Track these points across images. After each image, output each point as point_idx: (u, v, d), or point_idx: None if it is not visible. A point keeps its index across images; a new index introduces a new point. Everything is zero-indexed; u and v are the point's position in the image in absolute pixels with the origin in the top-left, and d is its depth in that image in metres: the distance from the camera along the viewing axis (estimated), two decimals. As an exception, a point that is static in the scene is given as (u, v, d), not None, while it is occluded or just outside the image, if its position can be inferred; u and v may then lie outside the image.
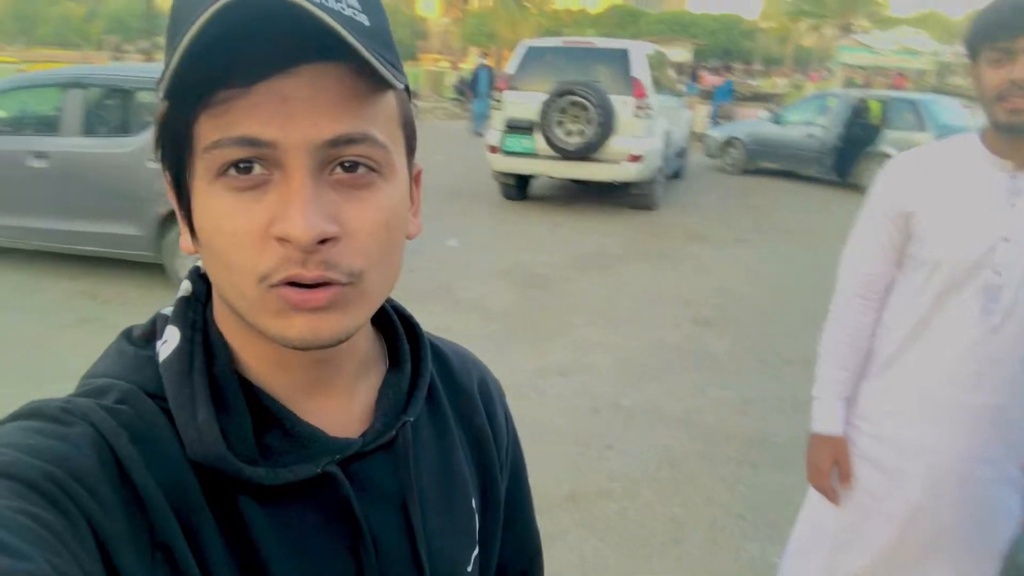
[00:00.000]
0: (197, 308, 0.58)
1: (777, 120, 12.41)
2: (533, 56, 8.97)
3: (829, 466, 1.74)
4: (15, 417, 0.50)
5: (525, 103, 8.68)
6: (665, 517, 3.09)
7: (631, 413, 4.02)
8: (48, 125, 5.76)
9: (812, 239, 7.82)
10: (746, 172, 12.38)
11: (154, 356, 0.56)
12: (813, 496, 1.84)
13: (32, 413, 0.50)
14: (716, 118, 15.79)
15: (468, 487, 0.69)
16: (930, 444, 1.62)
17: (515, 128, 8.80)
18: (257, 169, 0.48)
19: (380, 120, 0.52)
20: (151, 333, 0.58)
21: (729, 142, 12.57)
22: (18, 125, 6.11)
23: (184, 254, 5.58)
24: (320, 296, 0.50)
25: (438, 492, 0.65)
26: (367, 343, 0.64)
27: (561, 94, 8.37)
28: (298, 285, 0.49)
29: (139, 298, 5.43)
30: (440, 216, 8.25)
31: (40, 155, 5.59)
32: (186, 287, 0.59)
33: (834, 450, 1.74)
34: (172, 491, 0.50)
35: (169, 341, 0.55)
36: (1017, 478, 1.60)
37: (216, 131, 0.48)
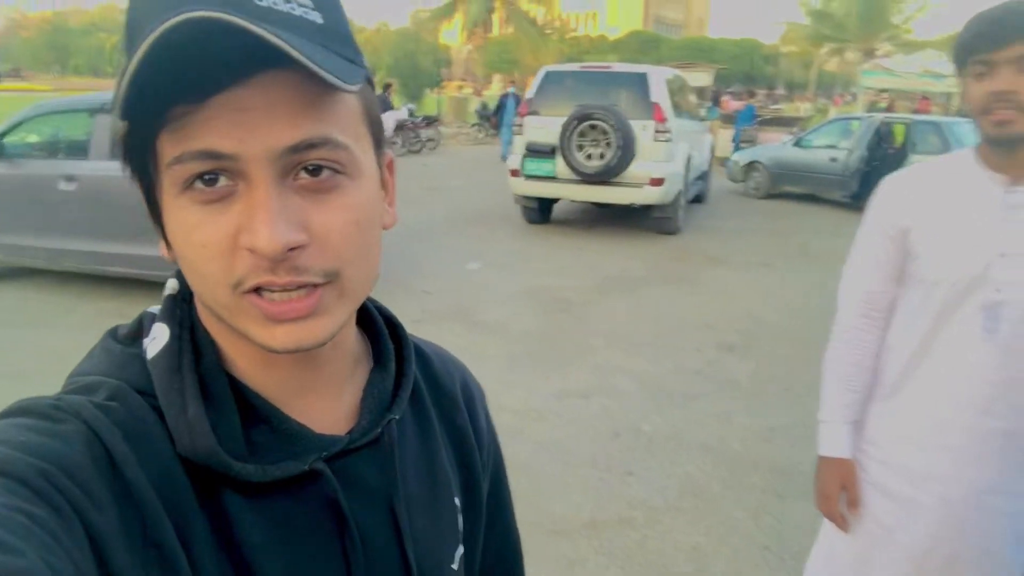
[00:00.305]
0: (184, 306, 0.58)
1: (799, 144, 12.34)
2: (552, 81, 9.04)
3: (837, 491, 1.70)
4: (6, 415, 0.50)
5: (545, 127, 8.72)
6: (687, 546, 3.02)
7: (653, 438, 3.97)
8: (78, 149, 5.88)
9: (836, 263, 7.62)
10: (769, 196, 12.29)
11: (141, 354, 0.56)
12: (826, 524, 1.80)
13: (23, 410, 0.50)
14: (738, 142, 15.76)
15: (452, 485, 0.70)
16: (940, 472, 1.58)
17: (535, 152, 8.84)
18: (222, 181, 0.49)
19: (340, 120, 0.52)
20: (137, 331, 0.58)
21: (752, 166, 12.52)
22: (50, 149, 6.26)
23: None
24: (302, 305, 0.50)
25: (423, 490, 0.65)
26: (353, 343, 0.64)
27: (581, 118, 8.41)
28: (272, 291, 0.50)
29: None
30: (461, 240, 8.29)
31: (70, 178, 5.71)
32: (172, 285, 0.59)
33: (841, 474, 1.70)
34: (163, 487, 0.50)
35: (158, 338, 0.56)
36: None
37: (177, 147, 0.48)
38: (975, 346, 1.50)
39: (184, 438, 0.52)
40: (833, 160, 11.50)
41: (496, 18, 35.90)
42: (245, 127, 0.48)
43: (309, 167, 0.50)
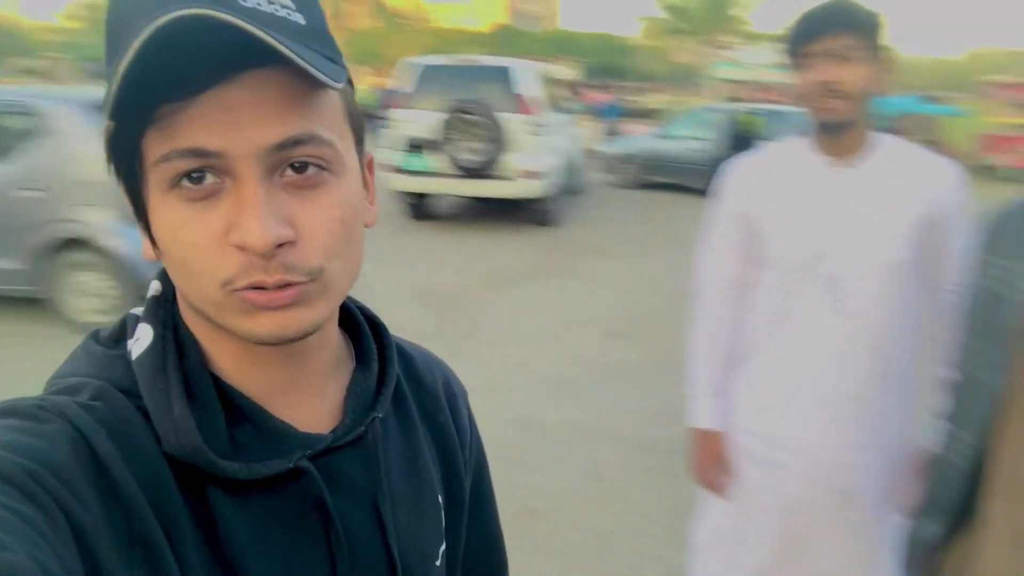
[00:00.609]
0: (167, 307, 0.58)
1: (665, 135, 12.88)
2: (428, 75, 8.97)
3: (709, 461, 1.82)
4: None
5: (421, 121, 8.66)
6: (592, 531, 3.12)
7: (551, 429, 4.05)
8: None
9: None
10: (641, 186, 12.76)
11: (124, 355, 0.56)
12: (706, 493, 1.91)
13: (7, 411, 0.50)
14: (609, 134, 16.25)
15: (434, 483, 0.70)
16: (800, 436, 1.71)
17: (413, 147, 8.76)
18: (209, 178, 0.49)
19: (325, 118, 0.53)
20: (120, 333, 0.58)
21: (623, 158, 12.95)
22: None
23: (76, 294, 5.26)
24: (284, 295, 0.51)
25: (406, 487, 0.66)
26: (335, 342, 0.65)
27: (455, 112, 8.41)
28: (261, 288, 0.50)
29: (23, 334, 5.07)
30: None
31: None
32: (155, 287, 0.60)
33: (712, 445, 1.82)
34: (149, 486, 0.50)
35: (142, 339, 0.56)
36: (891, 463, 1.71)
37: (164, 144, 0.49)
38: (822, 318, 1.64)
39: (170, 436, 0.52)
40: (696, 150, 12.08)
41: (356, 9, 35.14)
42: (232, 125, 0.48)
43: (296, 164, 0.51)
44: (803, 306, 1.66)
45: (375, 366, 0.67)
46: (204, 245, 0.50)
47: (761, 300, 1.76)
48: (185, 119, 0.48)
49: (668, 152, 12.50)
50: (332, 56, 0.53)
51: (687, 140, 12.38)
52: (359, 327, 0.68)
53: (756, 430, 1.77)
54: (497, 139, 8.40)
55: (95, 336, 0.59)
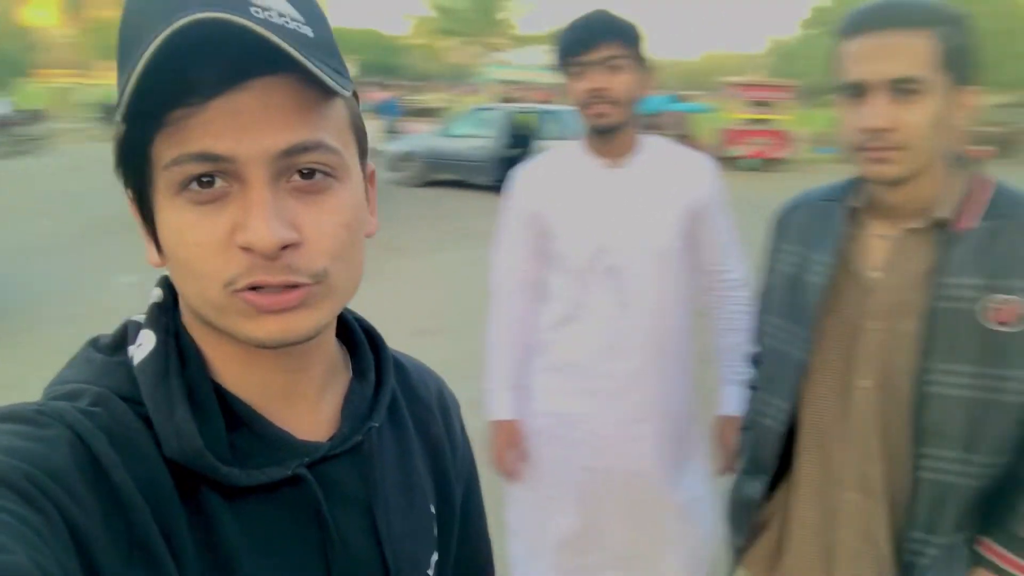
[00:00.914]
0: (169, 314, 0.59)
1: (446, 133, 13.06)
2: None
3: (506, 450, 1.93)
4: None
5: None
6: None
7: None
8: None
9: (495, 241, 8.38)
10: (426, 184, 12.84)
11: (125, 362, 0.56)
12: (510, 482, 2.03)
13: (6, 416, 0.50)
14: (389, 133, 16.13)
15: (427, 493, 0.71)
16: (588, 412, 1.86)
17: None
18: (218, 183, 0.50)
19: (331, 126, 0.54)
20: (121, 340, 0.59)
21: (406, 156, 12.93)
22: None
23: None
24: (288, 298, 0.52)
25: (400, 496, 0.67)
26: (332, 351, 0.66)
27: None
28: (264, 288, 0.51)
29: None
30: (106, 250, 7.30)
31: None
32: (157, 294, 0.60)
33: (508, 434, 1.93)
34: (148, 491, 0.51)
35: (144, 345, 0.56)
36: (677, 433, 1.90)
37: (174, 148, 0.49)
38: (604, 304, 1.81)
39: (172, 441, 0.52)
40: (477, 148, 12.38)
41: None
42: (242, 130, 0.49)
43: (303, 170, 0.52)
44: (589, 297, 1.81)
45: (372, 376, 0.68)
46: (209, 246, 0.50)
47: (552, 294, 1.88)
48: (196, 124, 0.49)
49: (450, 150, 12.70)
50: (339, 68, 0.53)
51: (468, 138, 12.64)
52: (356, 338, 0.70)
53: (551, 411, 1.90)
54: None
55: (94, 343, 0.59)
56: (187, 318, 0.59)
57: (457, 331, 5.53)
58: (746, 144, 16.59)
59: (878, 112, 1.14)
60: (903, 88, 1.12)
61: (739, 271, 1.93)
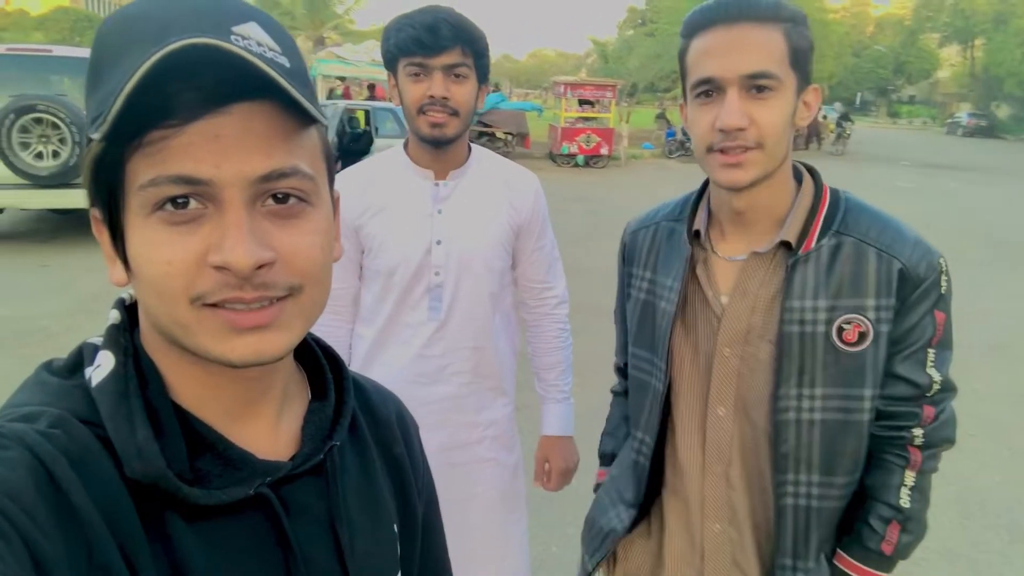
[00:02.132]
0: (127, 336, 0.58)
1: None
2: None
3: None
4: None
5: None
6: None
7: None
8: None
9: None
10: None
11: (82, 383, 0.56)
12: None
13: None
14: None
15: (390, 512, 0.72)
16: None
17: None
18: (193, 204, 0.51)
19: (306, 153, 0.56)
20: (77, 363, 0.58)
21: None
22: None
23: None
24: (262, 315, 0.53)
25: (363, 516, 0.67)
26: (290, 370, 0.67)
27: (20, 111, 7.04)
28: (235, 305, 0.52)
29: None
30: None
31: None
32: (114, 316, 0.60)
33: None
34: (109, 513, 0.50)
35: (103, 366, 0.56)
36: (494, 455, 1.81)
37: (152, 169, 0.50)
38: (423, 325, 1.70)
39: (133, 461, 0.52)
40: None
41: None
42: (222, 154, 0.50)
43: (278, 195, 0.54)
44: (405, 316, 1.69)
45: (332, 396, 0.68)
46: (179, 264, 0.51)
47: (368, 312, 1.75)
48: (175, 146, 0.50)
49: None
50: (312, 98, 0.54)
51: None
52: (316, 358, 0.70)
53: None
54: (83, 142, 7.21)
55: (48, 367, 0.59)
56: (147, 339, 0.59)
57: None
58: (575, 141, 17.13)
59: (733, 110, 1.07)
60: (758, 84, 1.07)
61: (560, 288, 1.89)
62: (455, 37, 1.54)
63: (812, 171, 1.24)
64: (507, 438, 1.85)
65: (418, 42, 1.53)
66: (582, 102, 17.58)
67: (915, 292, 1.12)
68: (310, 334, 0.68)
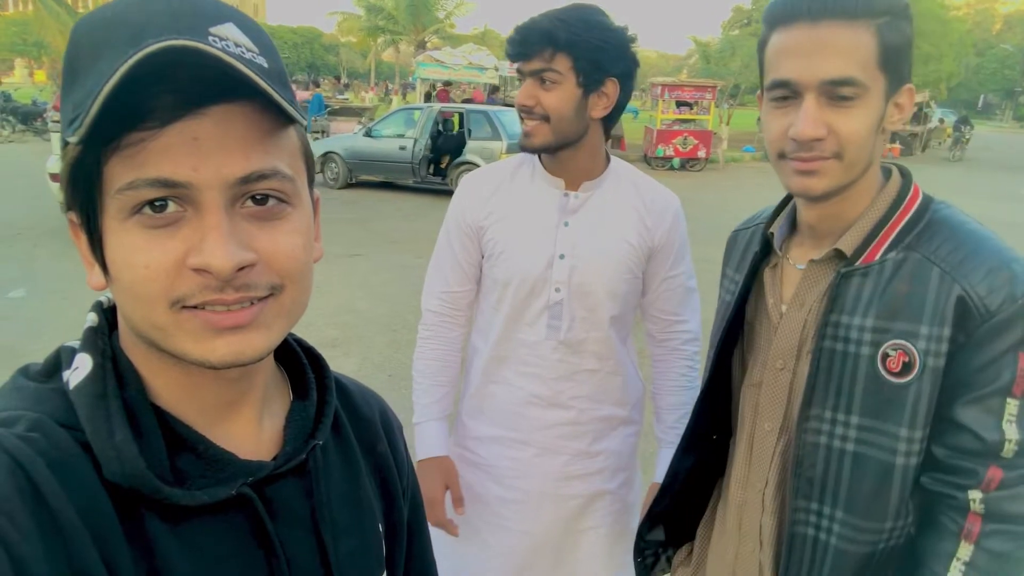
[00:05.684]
0: (104, 338, 0.58)
1: (370, 134, 12.76)
2: None
3: (442, 493, 1.66)
4: None
5: None
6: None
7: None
8: None
9: (419, 246, 8.17)
10: (347, 186, 12.53)
11: (60, 387, 0.56)
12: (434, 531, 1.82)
13: None
14: (316, 132, 15.73)
15: (375, 512, 0.72)
16: (520, 468, 1.65)
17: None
18: (171, 207, 0.51)
19: (286, 154, 0.55)
20: (54, 367, 0.58)
21: (327, 156, 12.59)
22: None
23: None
24: (242, 315, 0.53)
25: (347, 516, 0.67)
26: (271, 370, 0.66)
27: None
28: (215, 306, 0.52)
29: None
30: (-2, 262, 6.83)
31: None
32: (92, 318, 0.60)
33: (443, 473, 1.67)
34: (88, 516, 0.50)
35: (80, 368, 0.56)
36: (609, 488, 1.69)
37: (129, 172, 0.50)
38: (541, 344, 1.59)
39: (112, 463, 0.52)
40: (402, 148, 12.14)
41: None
42: (200, 156, 0.50)
43: (257, 196, 0.53)
44: (524, 332, 1.60)
45: (314, 396, 0.68)
46: (159, 268, 0.50)
47: (484, 324, 1.68)
48: (153, 148, 0.49)
49: (374, 150, 12.40)
50: (291, 99, 0.54)
51: (393, 138, 12.38)
52: (298, 358, 0.70)
53: (481, 463, 1.70)
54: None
55: (24, 372, 0.58)
56: (126, 341, 0.58)
57: (369, 343, 5.34)
58: (671, 144, 16.78)
59: (809, 119, 0.98)
60: (839, 92, 0.97)
61: (694, 323, 1.72)
62: (545, 41, 1.44)
63: (905, 175, 1.11)
64: (627, 471, 1.73)
65: (512, 47, 1.50)
66: (680, 104, 17.22)
67: (984, 325, 0.96)
68: (291, 334, 0.67)
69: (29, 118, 18.75)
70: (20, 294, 6.08)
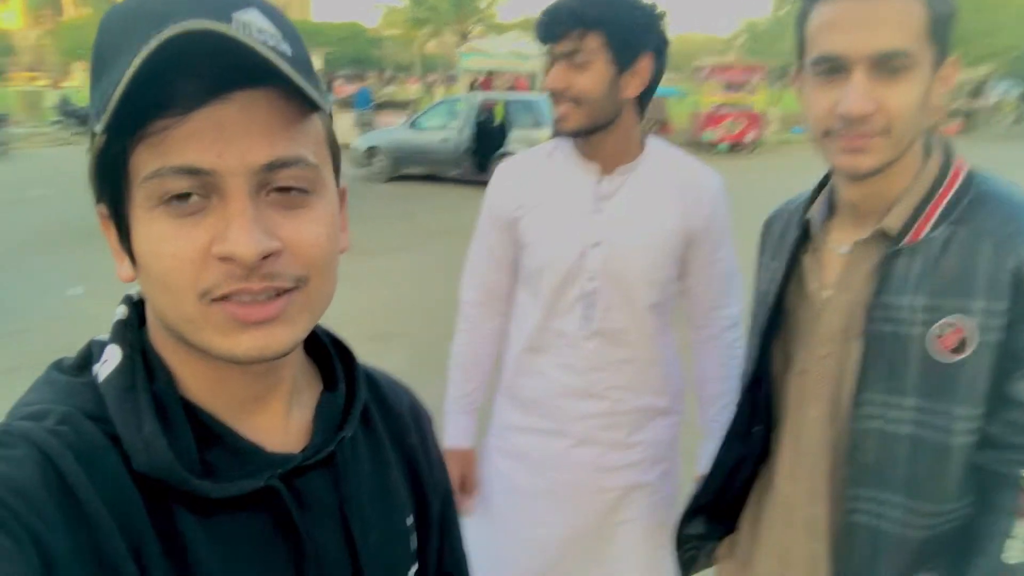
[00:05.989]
0: (134, 331, 0.58)
1: (414, 126, 12.80)
2: None
3: (458, 481, 1.70)
4: None
5: None
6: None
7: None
8: None
9: (465, 239, 8.15)
10: (392, 179, 12.60)
11: (91, 381, 0.56)
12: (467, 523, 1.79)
13: None
14: (362, 127, 15.85)
15: (404, 505, 0.71)
16: (553, 458, 1.62)
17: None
18: (196, 198, 0.50)
19: (310, 141, 0.55)
20: (85, 360, 0.58)
21: (372, 150, 12.68)
22: None
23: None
24: (269, 309, 0.52)
25: (376, 509, 0.66)
26: (300, 362, 0.66)
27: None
28: (242, 297, 0.51)
29: None
30: (58, 262, 7.07)
31: None
32: (122, 311, 0.60)
33: (461, 464, 1.71)
34: (117, 509, 0.50)
35: (109, 360, 0.56)
36: (647, 480, 1.65)
37: (155, 160, 0.49)
38: (575, 334, 1.55)
39: (141, 455, 0.52)
40: (445, 140, 12.17)
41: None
42: (224, 143, 0.50)
43: (281, 185, 0.52)
44: (557, 323, 1.57)
45: (343, 388, 0.67)
46: (185, 257, 0.50)
47: (520, 314, 1.65)
48: (178, 135, 0.49)
49: (417, 142, 12.45)
50: (316, 85, 0.53)
51: (436, 130, 12.40)
52: (325, 350, 0.69)
53: (513, 451, 1.68)
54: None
55: (57, 365, 0.59)
56: (155, 334, 0.58)
57: (416, 336, 5.36)
58: (719, 127, 16.46)
59: (858, 95, 0.94)
60: (891, 65, 0.93)
61: (735, 309, 1.66)
62: (574, 21, 1.40)
63: (946, 149, 1.07)
64: (665, 463, 1.69)
65: (540, 29, 1.46)
66: (727, 86, 16.85)
67: None
68: (319, 326, 0.67)
69: (88, 120, 19.30)
70: (78, 292, 6.27)
